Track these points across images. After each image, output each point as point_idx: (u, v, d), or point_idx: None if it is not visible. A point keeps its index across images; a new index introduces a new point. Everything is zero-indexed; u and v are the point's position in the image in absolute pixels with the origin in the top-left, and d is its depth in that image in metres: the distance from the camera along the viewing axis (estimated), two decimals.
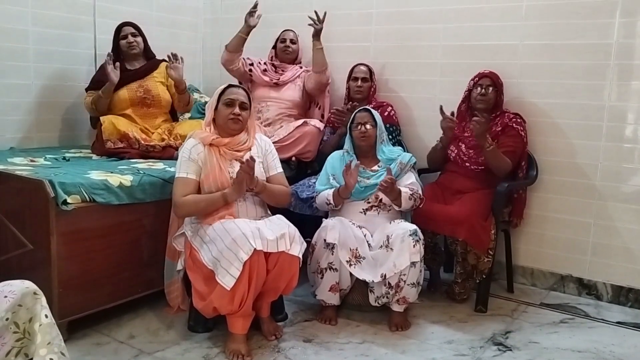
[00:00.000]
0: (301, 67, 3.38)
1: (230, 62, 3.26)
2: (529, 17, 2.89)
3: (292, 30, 3.39)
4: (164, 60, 3.18)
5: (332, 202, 2.55)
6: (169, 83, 3.12)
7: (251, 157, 2.16)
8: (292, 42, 3.37)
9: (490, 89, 2.77)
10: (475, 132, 2.59)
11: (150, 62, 3.14)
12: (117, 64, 2.91)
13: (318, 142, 3.14)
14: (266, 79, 3.28)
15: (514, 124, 2.75)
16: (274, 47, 3.41)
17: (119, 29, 3.07)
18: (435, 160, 2.93)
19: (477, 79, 2.82)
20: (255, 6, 3.12)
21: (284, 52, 3.35)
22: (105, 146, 2.80)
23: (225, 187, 2.22)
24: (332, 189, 2.57)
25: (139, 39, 3.09)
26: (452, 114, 2.72)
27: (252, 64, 3.33)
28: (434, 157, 2.91)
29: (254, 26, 3.14)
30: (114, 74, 2.87)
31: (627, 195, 2.75)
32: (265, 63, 3.37)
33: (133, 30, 3.07)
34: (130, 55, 3.07)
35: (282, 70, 3.34)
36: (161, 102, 3.07)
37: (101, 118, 2.86)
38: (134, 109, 2.99)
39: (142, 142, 2.85)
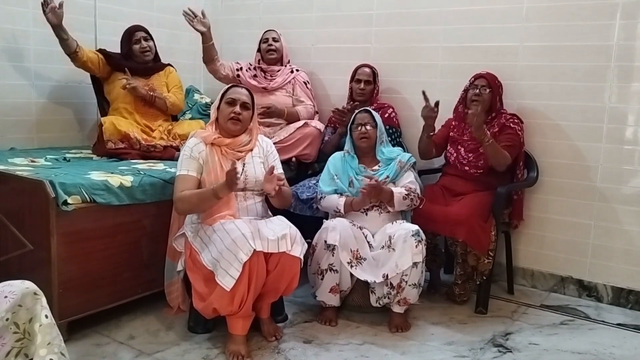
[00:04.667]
0: (292, 71, 3.34)
1: (214, 72, 3.25)
2: (529, 19, 2.89)
3: (273, 30, 3.37)
4: (169, 64, 3.20)
5: (342, 211, 2.55)
6: (170, 87, 3.13)
7: (279, 178, 2.17)
8: (275, 40, 3.32)
9: (486, 89, 2.75)
10: (472, 125, 2.56)
11: (158, 63, 3.17)
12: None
13: (319, 143, 3.14)
14: (254, 83, 3.24)
15: (510, 124, 2.74)
16: (259, 49, 3.38)
17: (130, 34, 3.06)
18: (424, 150, 2.88)
19: (473, 79, 2.81)
20: (191, 13, 3.06)
21: (267, 52, 3.31)
22: (107, 147, 2.80)
23: None
24: (343, 198, 2.56)
25: (151, 43, 3.11)
26: (437, 103, 2.68)
27: (240, 69, 3.30)
28: (421, 147, 2.88)
29: (208, 28, 3.09)
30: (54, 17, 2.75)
31: (628, 196, 2.75)
32: (254, 68, 3.34)
33: (145, 35, 3.08)
34: (144, 60, 3.08)
35: (272, 76, 3.31)
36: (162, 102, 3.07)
37: (102, 119, 2.87)
38: (136, 105, 2.99)
39: (143, 142, 2.86)
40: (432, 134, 2.78)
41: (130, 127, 2.88)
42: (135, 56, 3.06)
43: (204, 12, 3.09)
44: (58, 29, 2.80)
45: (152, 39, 3.12)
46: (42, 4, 2.74)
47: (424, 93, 2.68)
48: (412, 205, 2.56)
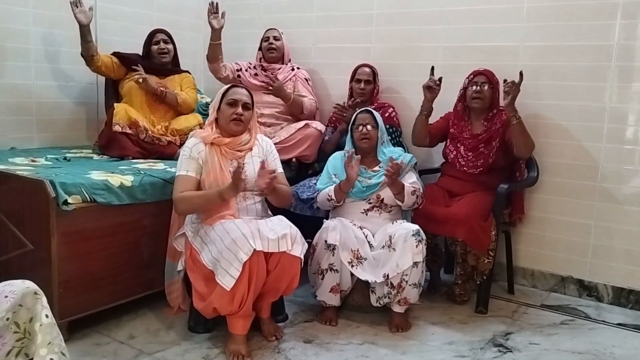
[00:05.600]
0: (292, 69, 3.35)
1: (215, 71, 3.25)
2: (529, 19, 2.89)
3: (275, 29, 3.37)
4: (187, 71, 3.25)
5: (333, 197, 2.55)
6: (184, 88, 3.17)
7: (271, 171, 2.17)
8: (276, 38, 3.32)
9: (486, 86, 2.74)
10: (509, 95, 2.51)
11: (177, 68, 3.23)
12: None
13: (319, 145, 3.14)
14: (256, 82, 3.24)
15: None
16: (260, 47, 3.39)
17: (152, 35, 3.13)
18: (417, 134, 2.87)
19: (471, 76, 2.80)
20: (214, 7, 3.07)
21: (268, 50, 3.31)
22: (113, 129, 2.81)
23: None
24: (334, 185, 2.57)
25: (170, 46, 3.16)
26: (440, 79, 2.70)
27: (240, 70, 3.31)
28: (416, 129, 2.86)
29: (221, 28, 3.10)
30: (83, 16, 2.84)
31: (628, 196, 2.75)
32: (255, 67, 3.35)
33: (165, 37, 3.15)
34: (161, 62, 3.13)
35: (272, 73, 3.30)
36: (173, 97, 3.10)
37: (115, 104, 2.91)
38: (147, 98, 3.01)
39: (150, 132, 2.89)
40: (428, 113, 2.78)
41: (140, 116, 2.92)
42: (153, 57, 3.12)
43: (225, 13, 3.12)
44: (85, 29, 2.88)
45: (172, 42, 3.18)
46: (72, 4, 2.82)
47: (432, 68, 2.72)
48: (417, 203, 2.56)
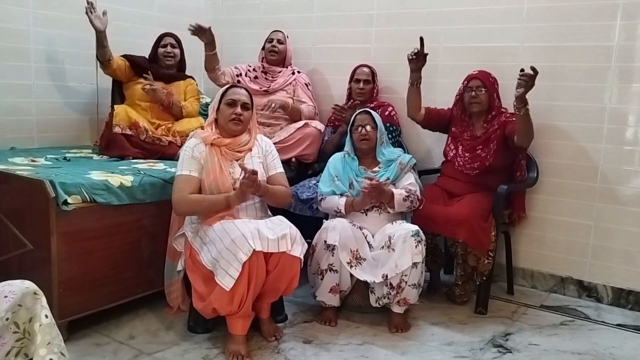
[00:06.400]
0: (293, 73, 3.35)
1: (214, 80, 3.27)
2: (529, 19, 2.89)
3: (280, 31, 3.37)
4: (192, 77, 3.28)
5: (343, 211, 2.55)
6: (187, 97, 3.19)
7: (253, 171, 2.13)
8: (279, 42, 3.32)
9: (482, 90, 2.73)
10: (522, 88, 2.40)
11: (182, 73, 3.25)
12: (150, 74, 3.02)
13: (319, 144, 3.14)
14: (256, 87, 3.25)
15: (512, 119, 2.71)
16: (263, 47, 3.39)
17: (160, 38, 3.17)
18: (410, 103, 2.88)
19: (466, 82, 2.79)
20: (195, 27, 3.02)
21: (270, 53, 3.31)
22: (113, 130, 2.82)
23: (225, 186, 2.23)
24: (344, 199, 2.56)
25: (177, 51, 3.19)
26: (426, 55, 2.69)
27: (239, 75, 3.32)
28: (408, 99, 2.87)
29: (210, 41, 3.11)
30: (98, 22, 2.89)
31: (628, 197, 2.75)
32: (255, 69, 3.35)
33: (173, 42, 3.18)
34: (165, 64, 3.16)
35: (273, 77, 3.31)
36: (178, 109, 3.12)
37: (115, 106, 2.93)
38: (151, 104, 3.03)
39: (151, 132, 2.90)
40: (416, 82, 2.78)
41: (140, 117, 2.93)
42: (158, 59, 3.15)
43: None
44: (102, 35, 2.92)
45: (180, 48, 3.20)
46: (87, 10, 2.85)
47: (421, 39, 2.68)
48: (412, 206, 2.56)
